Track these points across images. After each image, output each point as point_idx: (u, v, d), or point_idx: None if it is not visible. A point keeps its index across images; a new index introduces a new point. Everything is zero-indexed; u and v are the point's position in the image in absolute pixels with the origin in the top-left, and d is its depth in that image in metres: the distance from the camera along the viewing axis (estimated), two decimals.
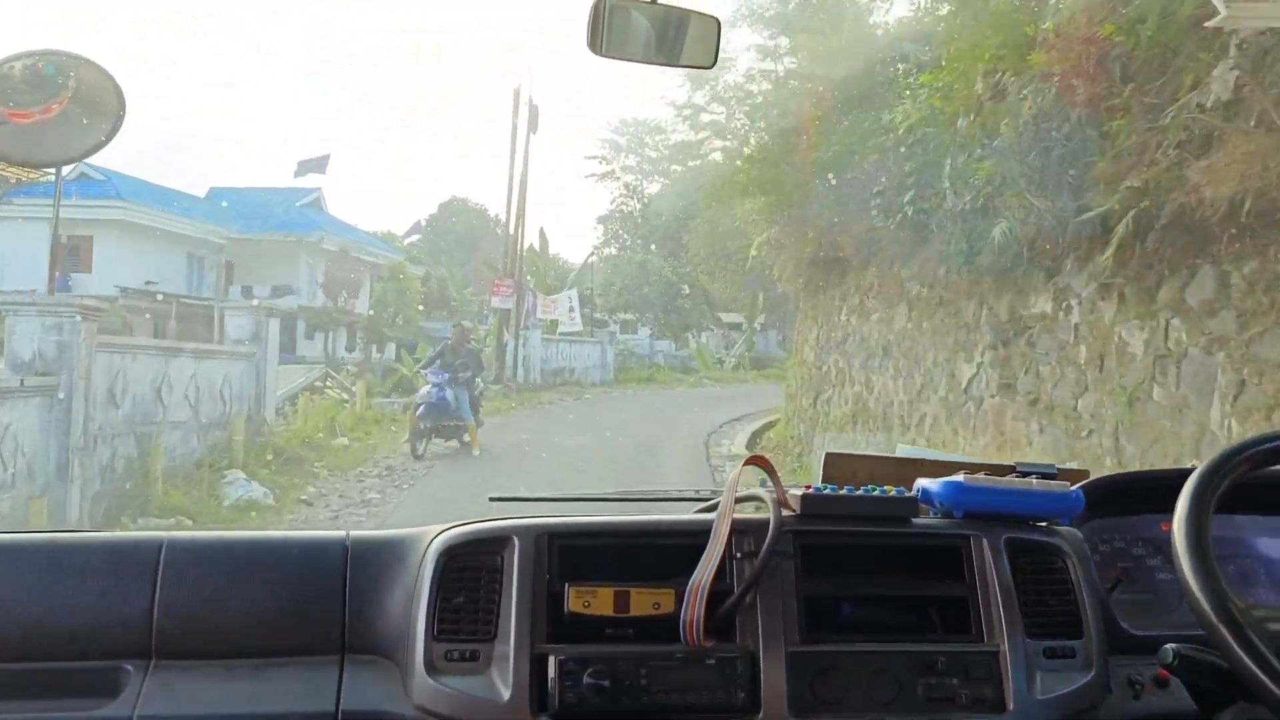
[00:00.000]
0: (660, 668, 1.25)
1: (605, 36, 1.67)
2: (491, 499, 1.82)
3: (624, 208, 33.32)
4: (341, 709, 1.29)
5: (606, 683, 1.23)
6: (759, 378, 24.51)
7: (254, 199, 25.16)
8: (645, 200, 32.58)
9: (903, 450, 1.78)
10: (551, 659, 1.24)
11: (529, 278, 24.65)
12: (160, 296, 19.55)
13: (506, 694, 1.24)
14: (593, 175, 33.14)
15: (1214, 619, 1.08)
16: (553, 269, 28.75)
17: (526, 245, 24.61)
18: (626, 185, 34.28)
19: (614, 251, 31.83)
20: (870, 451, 1.72)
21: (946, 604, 1.37)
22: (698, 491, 1.64)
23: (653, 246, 30.35)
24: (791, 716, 1.25)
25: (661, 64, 1.79)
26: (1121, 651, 1.39)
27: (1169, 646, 1.15)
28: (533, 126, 21.86)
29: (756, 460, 1.43)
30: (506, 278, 22.01)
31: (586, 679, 1.23)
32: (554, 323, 24.31)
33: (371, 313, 23.97)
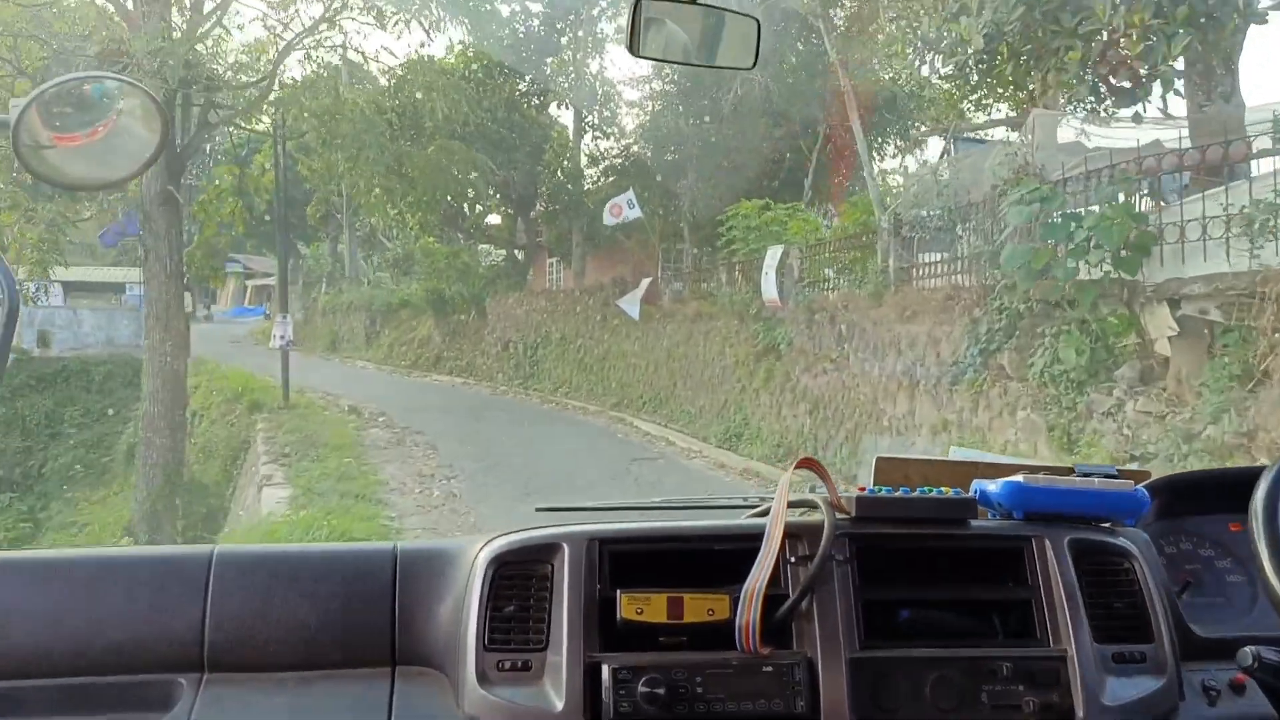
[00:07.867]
0: (716, 676, 1.23)
1: (644, 37, 1.66)
2: (538, 509, 1.81)
3: None
4: None
5: (661, 691, 1.20)
6: None
7: None
8: None
9: (956, 453, 1.74)
10: (605, 668, 1.22)
11: None
12: None
13: (560, 704, 1.22)
14: None
15: None
16: None
17: None
18: None
19: None
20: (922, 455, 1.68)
21: (1009, 608, 1.33)
22: (746, 498, 1.62)
23: None
24: None
25: (701, 65, 1.79)
26: (1193, 657, 1.34)
27: (1248, 649, 1.11)
28: None
29: (807, 463, 1.40)
30: None
31: (641, 688, 1.20)
32: None
33: None
